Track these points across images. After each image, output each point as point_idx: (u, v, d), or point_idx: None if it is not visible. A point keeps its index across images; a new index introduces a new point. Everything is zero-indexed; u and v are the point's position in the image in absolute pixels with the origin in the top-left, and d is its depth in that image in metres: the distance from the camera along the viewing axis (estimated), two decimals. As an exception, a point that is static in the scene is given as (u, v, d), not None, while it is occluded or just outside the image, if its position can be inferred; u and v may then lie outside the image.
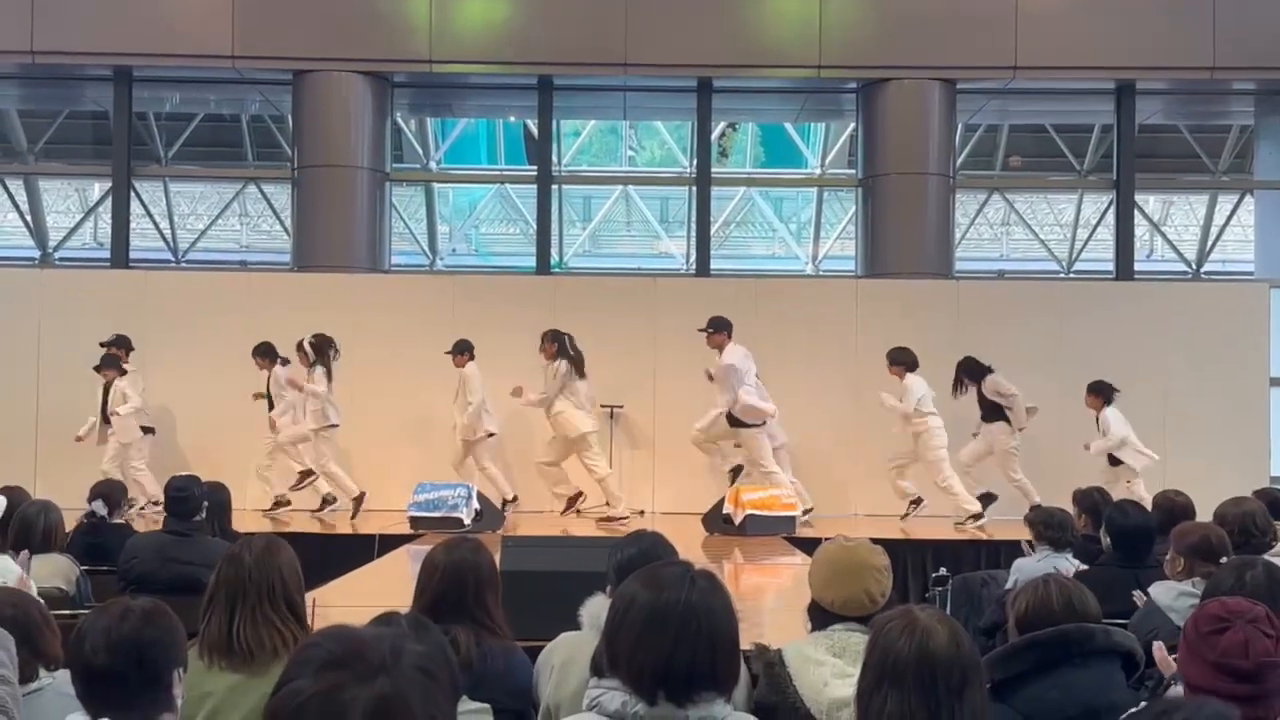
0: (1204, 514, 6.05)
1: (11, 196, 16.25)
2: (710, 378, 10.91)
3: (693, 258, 14.18)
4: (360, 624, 1.83)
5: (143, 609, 2.79)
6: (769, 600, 7.88)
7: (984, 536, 10.44)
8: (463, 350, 11.16)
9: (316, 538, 9.95)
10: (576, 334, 11.35)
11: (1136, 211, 13.98)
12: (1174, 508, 6.25)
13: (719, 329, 10.88)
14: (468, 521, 9.98)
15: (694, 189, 14.07)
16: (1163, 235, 17.21)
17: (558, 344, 11.11)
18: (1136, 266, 13.80)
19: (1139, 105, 13.53)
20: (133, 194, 13.76)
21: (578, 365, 11.14)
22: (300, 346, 11.03)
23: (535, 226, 14.14)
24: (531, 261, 13.97)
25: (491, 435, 11.25)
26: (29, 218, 16.62)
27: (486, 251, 19.12)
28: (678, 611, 2.48)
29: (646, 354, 12.08)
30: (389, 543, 9.56)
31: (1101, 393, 10.91)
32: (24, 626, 3.32)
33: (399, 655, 1.60)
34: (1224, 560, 4.61)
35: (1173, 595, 4.67)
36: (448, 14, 12.87)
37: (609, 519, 11.08)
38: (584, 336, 11.45)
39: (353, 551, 9.22)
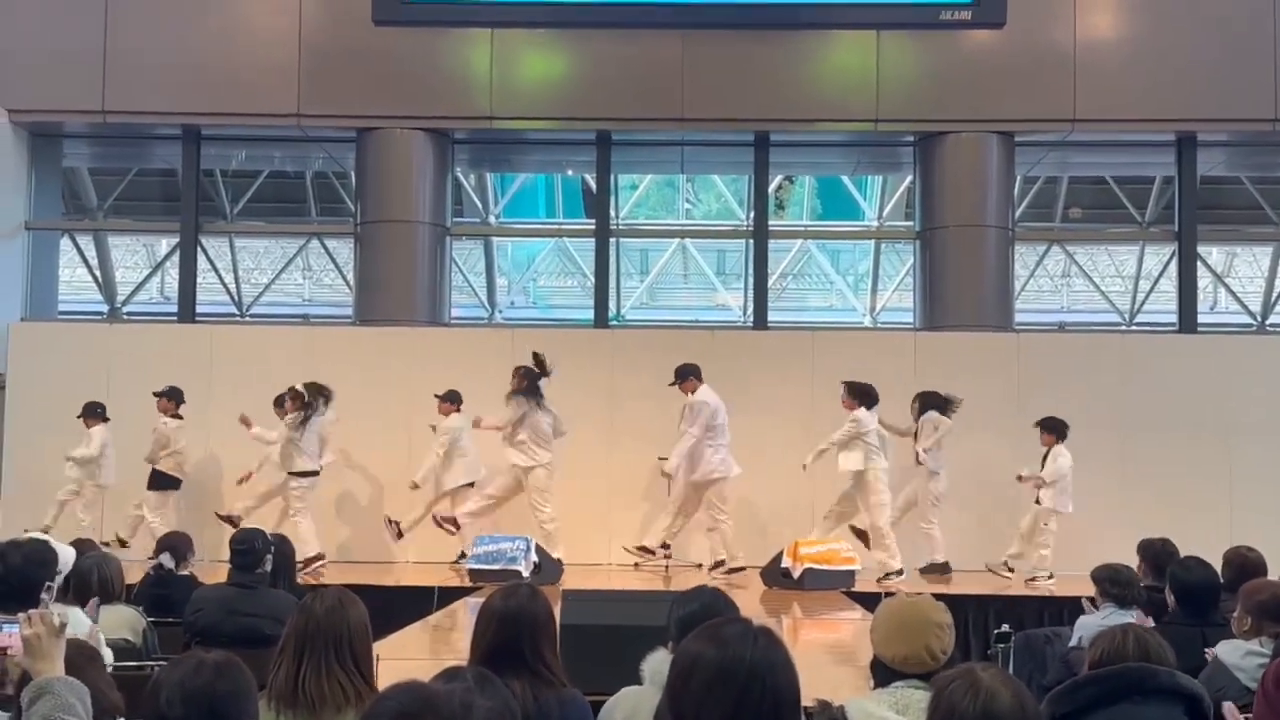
0: (1272, 571, 5.96)
1: (81, 252, 16.60)
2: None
3: (750, 310, 14.18)
4: (422, 677, 1.86)
5: (216, 662, 2.83)
6: (828, 656, 7.83)
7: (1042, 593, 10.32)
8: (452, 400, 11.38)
9: (377, 589, 9.98)
10: (633, 386, 11.34)
11: (1199, 263, 13.83)
12: (1245, 564, 6.14)
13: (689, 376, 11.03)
14: (526, 574, 9.97)
15: (751, 242, 14.09)
16: (1226, 287, 17.02)
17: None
18: (1200, 319, 13.62)
19: (1200, 157, 13.36)
20: (199, 249, 14.01)
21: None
22: (293, 391, 11.08)
23: (593, 279, 14.23)
24: (589, 314, 14.04)
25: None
26: (98, 273, 16.98)
27: (545, 304, 19.28)
28: (743, 669, 2.46)
29: (704, 407, 12.05)
30: (448, 595, 9.60)
31: (1056, 430, 10.82)
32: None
33: (469, 710, 1.63)
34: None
35: (1240, 654, 4.59)
36: (508, 71, 13.04)
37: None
38: (641, 389, 11.48)
39: (412, 604, 9.26)
